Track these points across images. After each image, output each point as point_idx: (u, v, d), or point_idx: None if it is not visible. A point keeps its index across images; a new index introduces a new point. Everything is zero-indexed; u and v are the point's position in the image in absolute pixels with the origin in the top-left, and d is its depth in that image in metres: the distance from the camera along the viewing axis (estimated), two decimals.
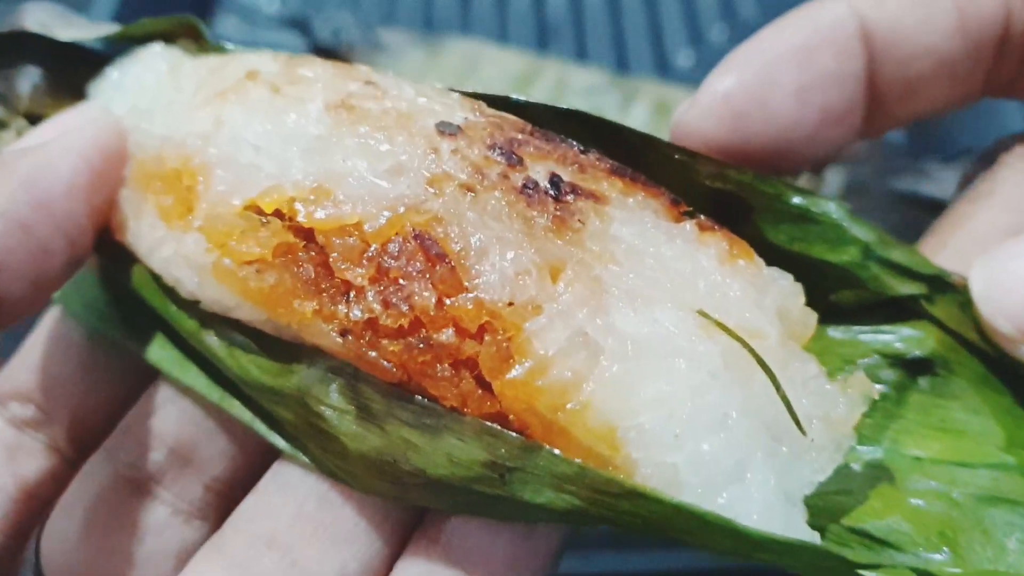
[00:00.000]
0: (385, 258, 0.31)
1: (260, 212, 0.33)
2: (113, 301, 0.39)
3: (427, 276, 0.30)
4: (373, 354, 0.31)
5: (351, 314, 0.31)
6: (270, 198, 0.33)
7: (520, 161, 0.34)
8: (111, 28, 0.42)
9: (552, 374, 0.29)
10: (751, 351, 0.31)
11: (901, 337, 0.37)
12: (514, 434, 0.30)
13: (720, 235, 0.35)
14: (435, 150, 0.33)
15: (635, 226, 0.34)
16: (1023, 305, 0.33)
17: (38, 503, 0.37)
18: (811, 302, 0.36)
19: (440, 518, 0.33)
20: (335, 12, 0.92)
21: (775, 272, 0.35)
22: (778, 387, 0.31)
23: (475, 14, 0.96)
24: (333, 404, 0.32)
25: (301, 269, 0.32)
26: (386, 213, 0.32)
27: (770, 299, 0.34)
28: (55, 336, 0.39)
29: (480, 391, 0.30)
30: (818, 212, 0.37)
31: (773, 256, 0.36)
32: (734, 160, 0.36)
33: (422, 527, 0.33)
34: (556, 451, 0.30)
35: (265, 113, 0.35)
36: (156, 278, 0.36)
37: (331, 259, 0.31)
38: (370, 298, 0.31)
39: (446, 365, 0.30)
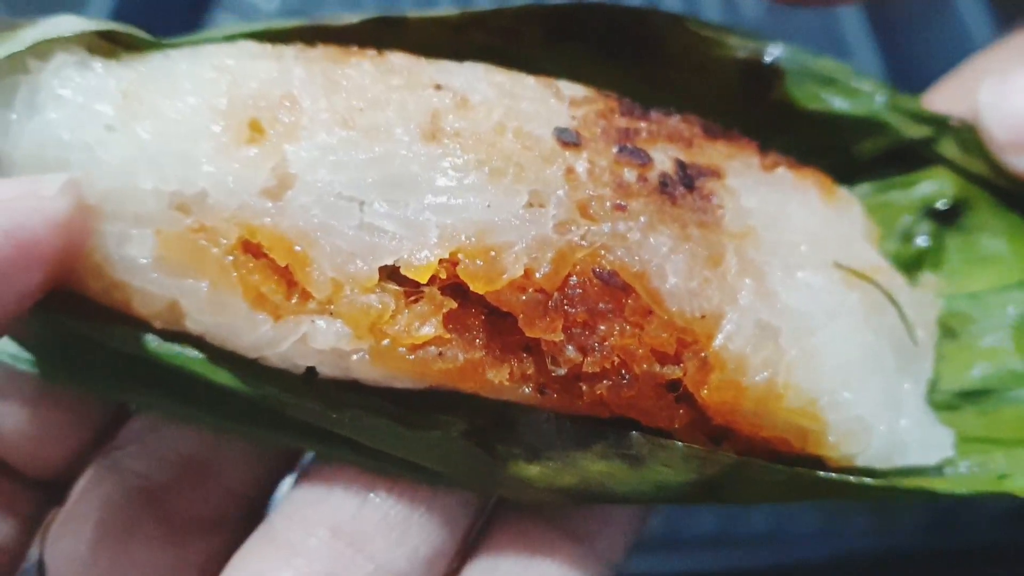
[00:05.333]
0: (570, 305, 0.28)
1: (397, 280, 0.29)
2: (125, 369, 0.34)
3: (618, 312, 0.29)
4: (579, 403, 0.29)
5: (552, 371, 0.29)
6: (420, 265, 0.28)
7: (647, 156, 0.32)
8: None
9: (752, 370, 0.29)
10: (887, 294, 0.33)
11: (924, 189, 0.40)
12: (727, 455, 0.30)
13: (808, 172, 0.36)
14: (569, 170, 0.30)
15: (755, 193, 0.34)
16: (1018, 114, 0.36)
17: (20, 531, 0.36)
18: (834, 160, 0.39)
19: None
20: (335, 9, 0.91)
21: (844, 192, 0.37)
22: (904, 318, 0.33)
23: None
24: (511, 452, 0.31)
25: (476, 335, 0.29)
26: (548, 254, 0.29)
27: (859, 224, 0.36)
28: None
29: (681, 407, 0.30)
30: (835, 73, 0.40)
31: (797, 121, 0.40)
32: None
33: (506, 503, 0.34)
34: (770, 465, 0.31)
35: (351, 156, 0.29)
36: (234, 359, 0.31)
37: (520, 321, 0.28)
38: (567, 350, 0.28)
39: (650, 392, 0.29)
